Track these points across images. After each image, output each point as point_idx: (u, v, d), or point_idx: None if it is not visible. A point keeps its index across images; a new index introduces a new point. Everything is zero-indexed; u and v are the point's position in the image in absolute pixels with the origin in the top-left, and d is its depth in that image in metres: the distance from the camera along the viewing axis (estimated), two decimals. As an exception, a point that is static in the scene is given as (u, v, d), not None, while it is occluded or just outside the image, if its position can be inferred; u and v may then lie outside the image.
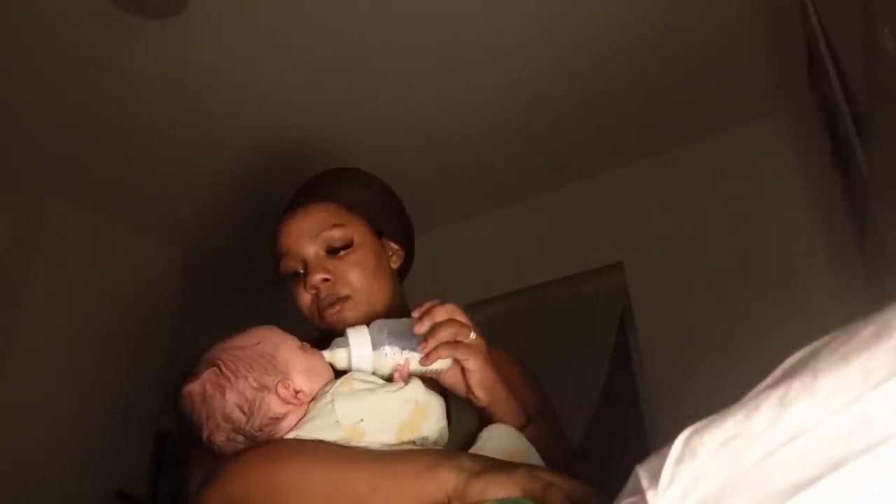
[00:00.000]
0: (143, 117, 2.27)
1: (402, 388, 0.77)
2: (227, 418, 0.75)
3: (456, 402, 0.87)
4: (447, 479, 0.66)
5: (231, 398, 0.75)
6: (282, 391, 0.76)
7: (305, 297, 0.91)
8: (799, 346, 0.42)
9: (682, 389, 1.94)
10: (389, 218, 1.01)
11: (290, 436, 0.76)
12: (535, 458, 0.77)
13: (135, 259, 2.80)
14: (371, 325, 0.82)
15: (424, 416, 0.76)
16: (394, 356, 0.80)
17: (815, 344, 0.42)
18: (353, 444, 0.74)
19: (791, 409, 0.38)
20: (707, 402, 0.46)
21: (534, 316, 2.62)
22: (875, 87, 1.19)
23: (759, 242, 2.25)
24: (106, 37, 1.94)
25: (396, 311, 0.95)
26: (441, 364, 0.81)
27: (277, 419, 0.76)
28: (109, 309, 2.63)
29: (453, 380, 0.83)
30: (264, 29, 1.95)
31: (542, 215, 2.76)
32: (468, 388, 0.82)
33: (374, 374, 0.81)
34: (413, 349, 0.80)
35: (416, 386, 0.77)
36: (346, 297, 0.90)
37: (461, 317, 0.83)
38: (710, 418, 0.41)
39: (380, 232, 0.98)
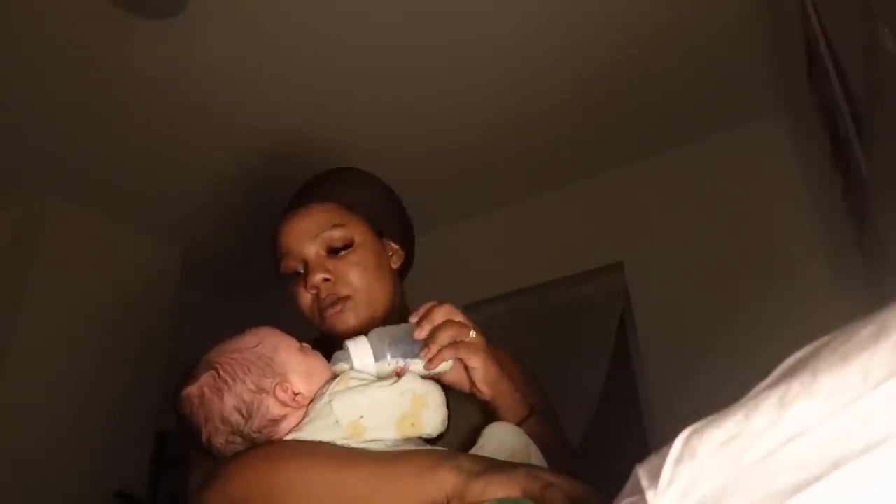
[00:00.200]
0: (143, 117, 2.27)
1: (397, 381, 0.77)
2: (226, 421, 0.75)
3: (454, 394, 0.87)
4: (447, 479, 0.66)
5: (229, 401, 0.76)
6: (280, 394, 0.77)
7: (306, 297, 0.91)
8: (799, 346, 0.42)
9: (682, 389, 1.94)
10: (390, 218, 1.01)
11: (292, 437, 0.76)
12: (537, 456, 0.77)
13: (135, 259, 2.80)
14: (370, 335, 0.81)
15: (424, 405, 0.76)
16: (396, 363, 0.80)
17: (815, 344, 0.42)
18: (355, 441, 0.74)
19: (791, 408, 0.38)
20: (707, 402, 0.46)
21: (534, 316, 2.62)
22: (875, 87, 1.19)
23: (759, 242, 2.25)
24: (106, 37, 1.94)
25: (397, 311, 0.95)
26: (444, 366, 0.81)
27: (276, 421, 0.76)
28: (109, 309, 2.63)
29: (456, 378, 0.84)
30: (264, 29, 1.95)
31: (541, 215, 2.75)
32: (472, 384, 0.83)
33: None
34: (415, 355, 0.80)
35: (411, 377, 0.78)
36: (347, 297, 0.90)
37: (459, 316, 0.83)
38: (709, 418, 0.41)
39: (380, 232, 0.98)
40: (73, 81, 2.10)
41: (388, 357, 0.80)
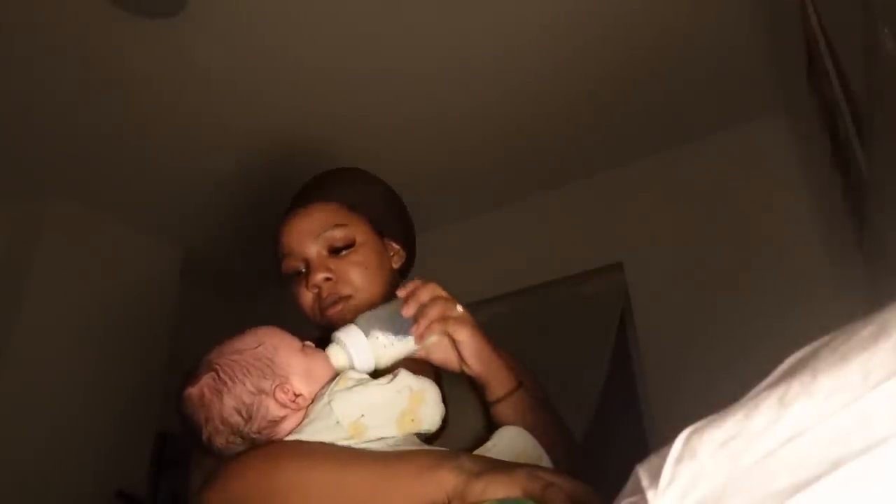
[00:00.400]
0: (143, 117, 2.27)
1: (392, 379, 0.78)
2: (226, 422, 0.76)
3: (451, 393, 0.88)
4: (447, 479, 0.66)
5: (229, 402, 0.76)
6: (280, 395, 0.77)
7: (307, 297, 0.92)
8: (799, 346, 0.42)
9: (681, 389, 1.94)
10: (391, 218, 1.01)
11: (292, 438, 0.76)
12: (545, 459, 0.78)
13: (135, 259, 2.80)
14: (358, 321, 0.83)
15: (421, 401, 0.77)
16: (391, 345, 0.82)
17: (815, 344, 0.42)
18: (357, 441, 0.74)
19: (791, 408, 0.38)
20: (707, 402, 0.46)
21: (534, 316, 2.62)
22: (875, 87, 1.19)
23: (759, 242, 2.25)
24: (106, 37, 1.94)
25: None
26: (431, 338, 0.84)
27: (276, 422, 0.77)
28: (110, 309, 2.63)
29: (445, 355, 0.85)
30: (264, 29, 1.95)
31: (542, 215, 2.76)
32: (461, 359, 0.84)
33: (377, 366, 0.82)
34: (406, 333, 0.82)
35: (406, 374, 0.78)
36: (348, 297, 0.90)
37: (444, 293, 0.84)
38: (709, 418, 0.41)
39: (381, 232, 0.98)
40: (73, 81, 2.10)
41: (380, 337, 0.81)
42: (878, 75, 1.14)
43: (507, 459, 0.72)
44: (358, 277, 0.91)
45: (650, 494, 0.40)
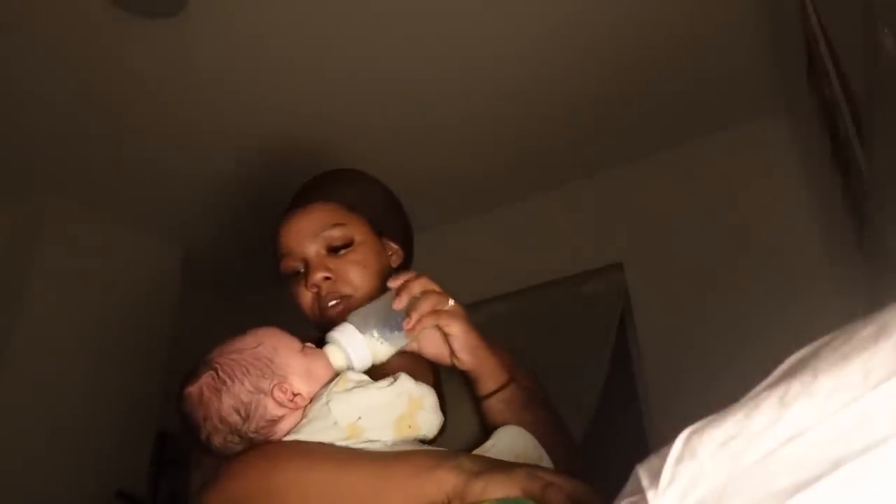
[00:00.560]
0: (143, 117, 2.27)
1: (392, 382, 0.78)
2: (224, 421, 0.76)
3: (449, 391, 0.88)
4: (446, 479, 0.66)
5: (227, 401, 0.76)
6: (278, 394, 0.77)
7: (307, 296, 0.92)
8: (799, 346, 0.42)
9: (681, 389, 1.94)
10: (389, 218, 1.02)
11: (290, 438, 0.76)
12: (545, 459, 0.78)
13: (135, 259, 2.80)
14: (351, 319, 0.83)
15: (420, 407, 0.77)
16: (387, 341, 0.82)
17: (815, 344, 0.42)
18: (354, 442, 0.74)
19: (791, 408, 0.38)
20: (707, 402, 0.46)
21: (534, 316, 2.62)
22: (875, 87, 1.19)
23: (759, 242, 2.25)
24: (106, 37, 1.94)
25: None
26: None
27: (274, 422, 0.77)
28: (110, 309, 2.63)
29: (437, 349, 0.85)
30: (265, 29, 1.95)
31: (542, 215, 2.75)
32: (452, 353, 0.84)
33: (373, 363, 0.83)
34: (398, 327, 0.82)
35: (406, 379, 0.78)
36: (348, 296, 0.90)
37: (436, 287, 0.85)
38: (710, 418, 0.41)
39: (380, 232, 0.98)
40: (73, 81, 2.10)
41: (375, 333, 0.82)
42: (878, 75, 1.14)
43: (506, 459, 0.72)
44: (357, 276, 0.91)
45: (650, 494, 0.40)
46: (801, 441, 0.37)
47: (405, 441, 0.77)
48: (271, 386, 0.77)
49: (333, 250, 0.92)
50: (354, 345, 0.81)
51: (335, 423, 0.75)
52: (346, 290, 0.90)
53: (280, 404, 0.77)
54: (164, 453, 2.74)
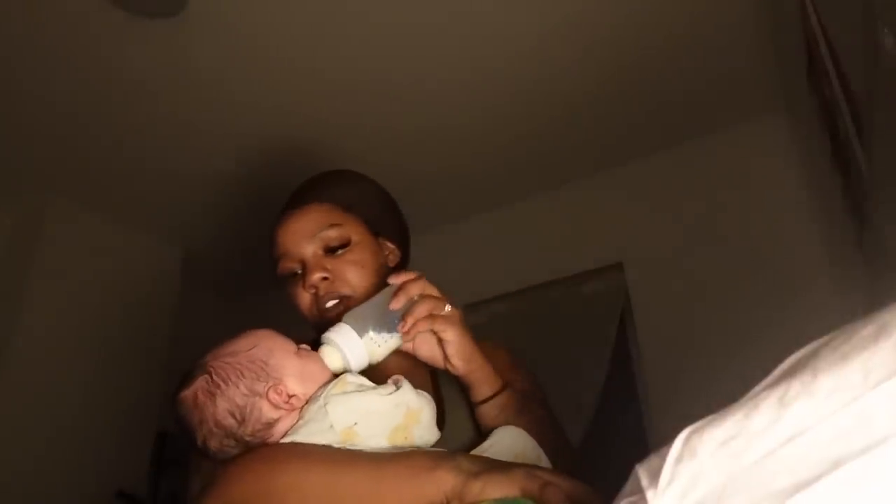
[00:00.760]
0: (143, 117, 2.27)
1: (394, 391, 0.77)
2: (219, 424, 0.75)
3: (447, 393, 0.88)
4: (445, 479, 0.66)
5: (222, 405, 0.75)
6: (273, 397, 0.76)
7: (305, 297, 0.91)
8: (799, 346, 0.42)
9: (681, 389, 1.95)
10: (385, 218, 1.01)
11: (287, 440, 0.76)
12: (543, 459, 0.77)
13: (135, 259, 2.80)
14: (347, 319, 0.83)
15: (416, 421, 0.77)
16: (384, 342, 0.82)
17: (815, 343, 0.42)
18: (348, 446, 0.74)
19: (791, 408, 0.38)
20: (707, 402, 0.46)
21: (534, 316, 2.62)
22: (875, 87, 1.19)
23: (759, 242, 2.25)
24: (106, 37, 1.94)
25: None
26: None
27: (270, 424, 0.76)
28: (110, 309, 2.63)
29: (430, 352, 0.85)
30: (264, 29, 1.95)
31: (542, 215, 2.75)
32: (445, 358, 0.83)
33: (369, 363, 0.82)
34: (394, 328, 0.82)
35: (408, 389, 0.78)
36: (346, 296, 0.90)
37: (434, 290, 0.84)
38: (709, 418, 0.41)
39: (376, 232, 0.98)
40: (73, 81, 2.10)
41: (371, 334, 0.81)
42: (878, 75, 1.14)
43: (505, 459, 0.72)
44: (354, 276, 0.91)
45: (650, 494, 0.40)
46: (800, 441, 0.37)
47: (397, 447, 0.76)
48: (266, 388, 0.76)
49: (330, 251, 0.92)
50: (350, 345, 0.80)
51: (331, 427, 0.74)
52: (345, 290, 0.90)
53: (276, 406, 0.76)
54: (164, 453, 2.74)
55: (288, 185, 1.07)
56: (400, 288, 0.84)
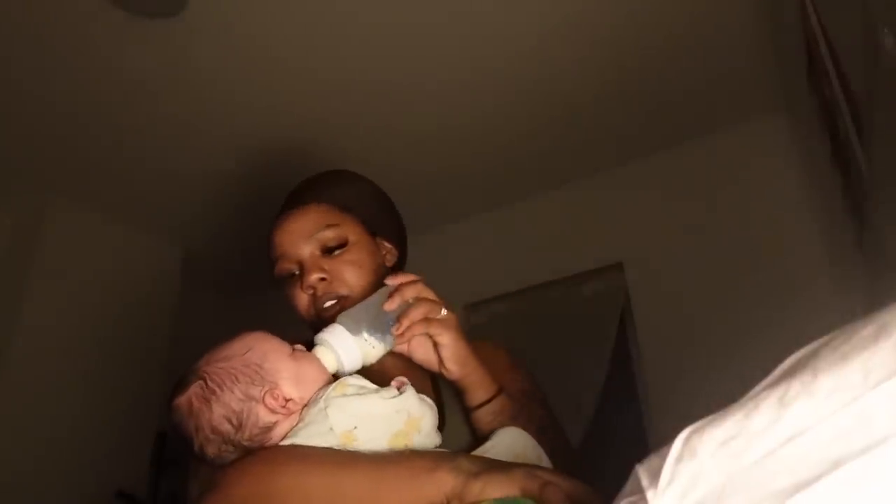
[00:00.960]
0: (143, 117, 2.27)
1: (396, 395, 0.76)
2: (216, 430, 0.75)
3: (447, 394, 0.88)
4: (445, 480, 0.66)
5: (218, 411, 0.75)
6: (269, 401, 0.76)
7: (303, 298, 0.91)
8: (799, 346, 0.42)
9: (681, 389, 1.94)
10: (382, 217, 1.01)
11: (286, 442, 0.75)
12: (544, 460, 0.77)
13: (135, 259, 2.80)
14: (341, 320, 0.82)
15: (416, 428, 0.76)
16: (379, 343, 0.82)
17: (815, 344, 0.42)
18: (347, 449, 0.73)
19: (791, 408, 0.38)
20: (707, 402, 0.46)
21: (534, 316, 2.62)
22: (875, 87, 1.19)
23: (759, 242, 2.26)
24: (106, 37, 1.94)
25: None
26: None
27: (268, 428, 0.76)
28: (110, 309, 2.63)
29: (426, 356, 0.84)
30: (265, 29, 1.95)
31: (542, 215, 2.76)
32: (440, 362, 0.83)
33: (364, 364, 0.82)
34: (388, 330, 0.81)
35: (410, 395, 0.77)
36: (344, 296, 0.90)
37: (430, 294, 0.84)
38: (709, 418, 0.41)
39: (374, 232, 0.98)
40: (73, 81, 2.10)
41: (365, 335, 0.81)
42: (878, 75, 1.14)
43: (506, 460, 0.72)
44: (352, 276, 0.91)
45: (650, 494, 0.40)
46: (800, 441, 0.37)
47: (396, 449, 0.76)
48: (262, 393, 0.76)
49: (328, 251, 0.92)
50: (344, 346, 0.80)
51: (330, 430, 0.73)
52: (342, 291, 0.90)
53: (272, 411, 0.76)
54: (164, 453, 2.74)
55: (288, 184, 1.07)
56: (396, 289, 0.83)
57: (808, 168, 2.20)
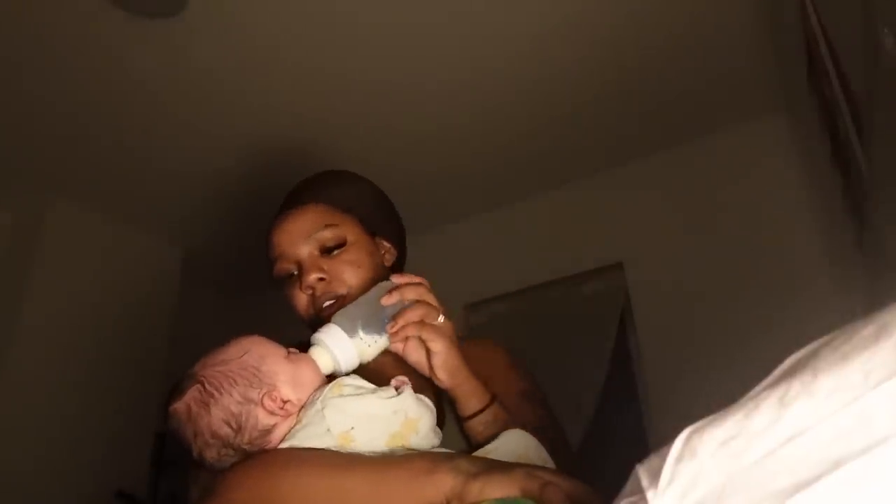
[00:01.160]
0: (143, 117, 2.27)
1: (394, 396, 0.76)
2: (215, 434, 0.74)
3: (448, 407, 0.87)
4: (444, 481, 0.66)
5: (217, 414, 0.74)
6: (268, 403, 0.76)
7: (302, 298, 0.91)
8: (799, 346, 0.42)
9: (681, 389, 1.94)
10: (381, 217, 1.01)
11: (284, 445, 0.75)
12: (548, 462, 0.77)
13: (135, 259, 2.80)
14: (337, 319, 0.82)
15: (414, 430, 0.75)
16: (374, 342, 0.82)
17: (815, 344, 0.42)
18: (345, 450, 0.73)
19: (791, 408, 0.38)
20: (707, 402, 0.46)
21: (534, 316, 2.62)
22: (875, 87, 1.19)
23: (759, 242, 2.25)
24: (106, 37, 1.94)
25: None
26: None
27: (267, 431, 0.75)
28: (110, 309, 2.63)
29: (418, 360, 0.84)
30: (265, 29, 1.95)
31: (542, 215, 2.76)
32: (431, 369, 0.82)
33: (361, 363, 0.82)
34: (383, 329, 0.81)
35: (408, 395, 0.77)
36: (343, 296, 0.90)
37: (431, 298, 0.83)
38: (710, 418, 0.41)
39: (372, 231, 0.98)
40: (73, 81, 2.10)
41: (360, 334, 0.81)
42: (878, 75, 1.14)
43: (508, 461, 0.72)
44: (351, 276, 0.90)
45: (650, 494, 0.40)
46: (800, 441, 0.37)
47: (395, 450, 0.75)
48: (260, 395, 0.75)
49: (326, 251, 0.91)
50: (340, 346, 0.80)
51: (328, 430, 0.73)
52: (341, 291, 0.90)
53: (271, 413, 0.75)
54: (163, 453, 2.74)
55: (287, 184, 1.07)
56: (397, 287, 0.83)
57: (809, 168, 2.20)
